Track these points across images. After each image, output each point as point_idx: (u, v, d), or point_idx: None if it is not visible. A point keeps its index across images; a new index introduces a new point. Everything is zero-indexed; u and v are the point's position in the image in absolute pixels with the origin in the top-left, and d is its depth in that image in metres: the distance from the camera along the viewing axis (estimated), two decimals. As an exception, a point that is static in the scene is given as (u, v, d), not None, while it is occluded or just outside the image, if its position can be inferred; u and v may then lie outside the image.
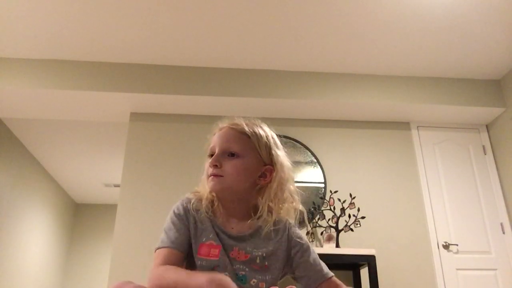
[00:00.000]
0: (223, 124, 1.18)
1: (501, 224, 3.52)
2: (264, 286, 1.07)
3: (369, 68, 3.66)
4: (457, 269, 3.34)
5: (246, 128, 1.14)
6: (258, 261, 1.09)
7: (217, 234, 1.10)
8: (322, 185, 3.56)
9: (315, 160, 3.64)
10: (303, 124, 3.80)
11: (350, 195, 3.25)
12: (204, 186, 1.16)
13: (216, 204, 1.14)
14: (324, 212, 3.30)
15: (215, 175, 1.10)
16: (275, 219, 1.14)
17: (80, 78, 3.48)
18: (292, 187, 1.18)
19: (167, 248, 1.08)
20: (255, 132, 1.15)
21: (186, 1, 2.95)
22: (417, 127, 3.85)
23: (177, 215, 1.13)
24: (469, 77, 3.76)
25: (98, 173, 5.53)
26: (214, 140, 1.16)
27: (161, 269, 1.03)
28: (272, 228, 1.13)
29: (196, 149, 3.58)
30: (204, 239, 1.10)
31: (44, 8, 3.00)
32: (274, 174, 1.14)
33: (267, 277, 1.08)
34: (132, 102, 3.58)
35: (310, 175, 3.60)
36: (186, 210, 1.13)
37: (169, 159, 3.56)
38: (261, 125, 1.20)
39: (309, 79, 3.65)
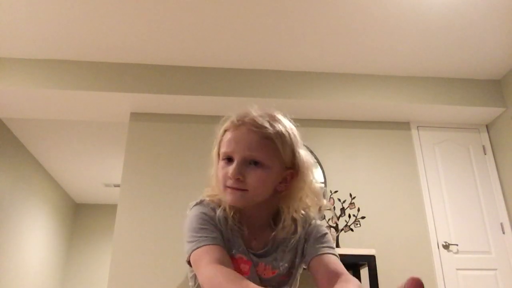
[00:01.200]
0: (239, 119, 1.00)
1: (501, 224, 3.52)
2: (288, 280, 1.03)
3: (369, 68, 3.66)
4: (457, 269, 3.34)
5: (270, 130, 0.97)
6: (285, 272, 1.02)
7: (246, 249, 1.00)
8: (322, 185, 3.56)
9: (315, 160, 3.64)
10: (303, 124, 3.76)
11: (350, 195, 3.24)
12: (219, 190, 1.01)
13: (238, 216, 1.01)
14: (324, 212, 3.30)
15: (237, 189, 0.96)
16: (294, 222, 1.02)
17: (80, 78, 3.48)
18: (315, 187, 1.04)
19: (210, 245, 0.93)
20: (279, 134, 0.98)
21: (186, 1, 2.95)
22: (417, 127, 3.85)
23: (205, 215, 0.99)
24: (469, 77, 3.76)
25: (98, 173, 5.53)
26: (230, 142, 0.98)
27: (212, 269, 0.87)
28: (292, 233, 1.02)
29: (196, 149, 3.58)
30: (233, 252, 0.98)
31: (44, 8, 3.00)
32: (298, 177, 1.01)
33: (290, 279, 1.04)
34: (132, 102, 3.58)
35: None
36: (214, 215, 0.99)
37: (169, 159, 3.56)
38: (280, 119, 1.04)
39: (309, 79, 3.65)
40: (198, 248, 0.93)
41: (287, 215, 1.01)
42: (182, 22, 3.14)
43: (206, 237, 0.94)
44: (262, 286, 0.84)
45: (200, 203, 1.03)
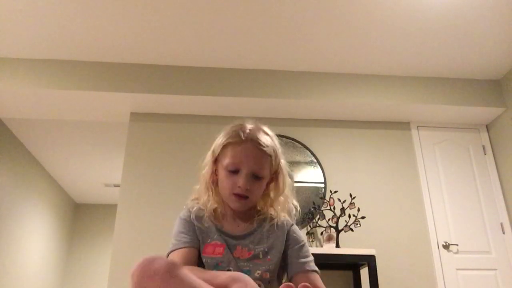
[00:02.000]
0: (245, 135, 1.17)
1: (501, 224, 3.52)
2: (268, 275, 1.14)
3: (369, 68, 3.66)
4: (457, 269, 3.34)
5: (270, 149, 1.18)
6: (261, 256, 1.15)
7: (220, 236, 1.17)
8: (322, 185, 3.56)
9: (315, 160, 3.64)
10: (303, 124, 3.80)
11: (350, 195, 3.24)
12: (205, 193, 1.22)
13: (219, 210, 1.22)
14: (324, 212, 3.30)
15: (244, 197, 1.16)
16: (275, 219, 1.22)
17: (80, 78, 3.48)
18: (288, 192, 1.25)
19: (182, 248, 1.15)
20: (274, 151, 1.19)
21: (187, 1, 2.95)
22: (417, 127, 3.85)
23: (184, 221, 1.20)
24: (469, 77, 3.76)
25: (98, 173, 5.53)
26: (238, 156, 1.15)
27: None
28: (272, 224, 1.21)
29: (196, 149, 3.58)
30: (209, 240, 1.17)
31: (44, 8, 3.00)
32: (277, 182, 1.23)
33: (270, 267, 1.14)
34: (132, 102, 3.58)
35: (310, 175, 3.60)
36: (191, 217, 1.20)
37: (169, 159, 3.56)
38: (272, 135, 1.24)
39: (309, 79, 3.65)
40: (172, 251, 1.17)
41: (267, 210, 1.23)
42: (182, 22, 3.14)
43: (179, 240, 1.16)
44: (238, 265, 1.11)
45: (185, 209, 1.24)
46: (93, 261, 6.41)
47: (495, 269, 3.36)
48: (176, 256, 1.14)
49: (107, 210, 6.53)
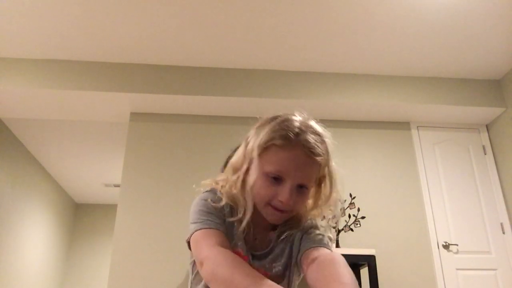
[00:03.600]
0: (295, 138, 0.96)
1: (501, 224, 3.52)
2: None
3: (369, 68, 3.66)
4: (457, 269, 3.34)
5: (322, 158, 0.98)
6: (279, 273, 1.01)
7: (244, 244, 1.00)
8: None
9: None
10: (303, 124, 3.79)
11: (350, 195, 3.25)
12: (237, 192, 1.00)
13: (243, 211, 1.00)
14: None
15: (283, 211, 0.96)
16: (298, 228, 1.04)
17: (80, 78, 3.48)
18: (333, 199, 1.06)
19: (214, 229, 0.94)
20: (326, 159, 1.00)
21: (187, 1, 2.95)
22: (417, 127, 3.85)
23: (214, 206, 0.98)
24: (469, 77, 3.76)
25: (98, 173, 5.53)
26: (285, 164, 0.94)
27: (218, 252, 0.87)
28: (292, 233, 1.03)
29: (196, 149, 3.58)
30: (233, 243, 0.98)
31: (44, 8, 3.00)
32: (322, 189, 1.04)
33: (286, 281, 1.03)
34: (132, 102, 3.58)
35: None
36: (220, 207, 0.99)
37: (169, 159, 3.56)
38: (326, 135, 1.03)
39: (309, 79, 3.65)
40: (201, 229, 0.93)
41: (295, 217, 1.03)
42: (182, 22, 3.14)
43: (210, 221, 0.95)
44: None
45: (209, 190, 1.03)
46: (93, 261, 6.41)
47: (495, 269, 3.36)
48: (211, 236, 0.91)
49: (107, 210, 6.53)
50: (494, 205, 3.58)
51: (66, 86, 3.44)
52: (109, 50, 3.44)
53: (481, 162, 3.74)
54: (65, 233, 6.33)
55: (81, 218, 6.68)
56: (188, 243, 0.98)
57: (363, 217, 3.21)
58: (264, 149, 0.96)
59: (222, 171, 1.10)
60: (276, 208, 0.96)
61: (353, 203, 3.22)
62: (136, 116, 3.70)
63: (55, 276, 6.00)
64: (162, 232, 3.28)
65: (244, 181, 0.99)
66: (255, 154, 0.97)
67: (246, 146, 1.01)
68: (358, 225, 3.19)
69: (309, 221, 1.06)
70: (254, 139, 0.99)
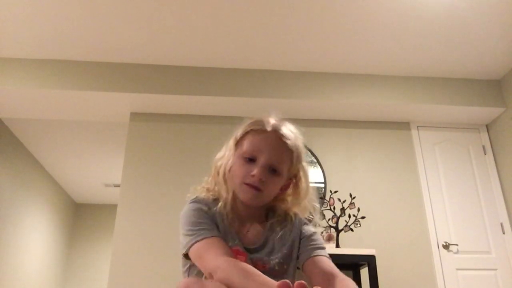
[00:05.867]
0: (269, 126, 1.08)
1: (501, 224, 3.52)
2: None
3: (369, 68, 3.66)
4: (457, 269, 3.34)
5: (293, 144, 1.08)
6: (277, 268, 1.06)
7: (240, 242, 1.06)
8: (322, 185, 3.56)
9: (315, 160, 3.64)
10: (303, 124, 3.73)
11: (350, 195, 3.24)
12: (219, 183, 1.09)
13: (228, 207, 1.08)
14: (324, 212, 3.30)
15: (256, 188, 1.04)
16: (285, 216, 1.14)
17: (80, 78, 3.48)
18: (309, 197, 1.15)
19: (211, 237, 0.98)
20: (297, 148, 1.10)
21: (186, 1, 2.95)
22: (417, 127, 3.85)
23: (201, 210, 1.05)
24: (469, 77, 3.76)
25: (98, 173, 5.53)
26: (258, 144, 1.05)
27: (228, 263, 0.90)
28: (285, 229, 1.11)
29: (196, 149, 3.58)
30: (230, 243, 1.04)
31: (44, 8, 3.00)
32: (298, 187, 1.13)
33: (285, 277, 1.06)
34: (132, 102, 3.58)
35: (310, 175, 3.59)
36: (208, 207, 1.07)
37: (169, 159, 3.56)
38: (297, 132, 1.14)
39: (309, 79, 3.65)
40: (198, 241, 0.98)
41: (279, 211, 1.13)
42: (182, 22, 3.14)
43: (204, 229, 1.00)
44: None
45: (195, 199, 1.10)
46: (93, 261, 6.41)
47: (495, 269, 3.36)
48: (213, 245, 0.96)
49: (107, 210, 6.53)
50: (494, 205, 3.58)
51: (66, 86, 3.44)
52: (109, 50, 3.44)
53: (481, 162, 3.74)
54: (65, 233, 6.33)
55: (81, 218, 6.68)
56: (185, 255, 1.02)
57: (363, 217, 3.21)
58: (241, 138, 1.09)
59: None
60: (249, 185, 1.04)
61: (353, 203, 3.22)
62: (136, 116, 3.70)
63: (55, 276, 6.00)
64: (162, 232, 3.28)
65: (225, 172, 1.10)
66: (232, 144, 1.10)
67: (233, 140, 1.12)
68: (358, 225, 3.19)
69: (302, 220, 1.16)
70: (236, 132, 1.12)
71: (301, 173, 1.13)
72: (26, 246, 4.98)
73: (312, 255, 1.07)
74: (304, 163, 1.14)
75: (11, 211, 4.55)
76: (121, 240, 3.25)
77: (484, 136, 3.85)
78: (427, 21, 3.11)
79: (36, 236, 5.28)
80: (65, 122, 4.18)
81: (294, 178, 1.12)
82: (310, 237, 1.11)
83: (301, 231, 1.13)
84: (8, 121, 4.14)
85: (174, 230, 3.47)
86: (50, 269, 5.83)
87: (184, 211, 1.08)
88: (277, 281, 0.98)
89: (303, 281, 0.69)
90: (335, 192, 3.34)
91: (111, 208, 6.08)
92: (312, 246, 1.09)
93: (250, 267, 0.90)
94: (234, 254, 1.01)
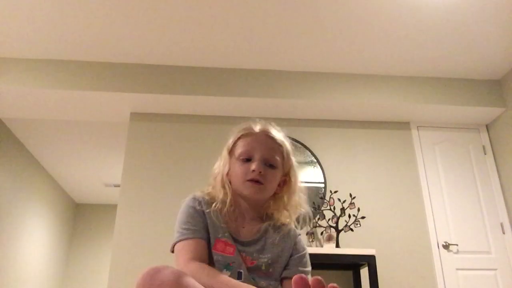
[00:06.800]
0: (257, 128, 1.19)
1: (501, 224, 3.52)
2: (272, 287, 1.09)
3: (369, 68, 3.66)
4: (457, 269, 3.34)
5: (281, 140, 1.19)
6: (263, 267, 1.11)
7: (230, 235, 1.13)
8: (322, 185, 3.56)
9: (315, 160, 3.64)
10: (303, 124, 3.80)
11: (350, 195, 3.25)
12: (216, 188, 1.17)
13: (228, 206, 1.15)
14: (324, 212, 3.30)
15: (258, 182, 1.12)
16: (281, 223, 1.20)
17: (80, 78, 3.48)
18: (302, 196, 1.23)
19: (191, 239, 1.08)
20: (285, 144, 1.21)
21: (186, 1, 2.95)
22: (417, 127, 3.85)
23: (193, 209, 1.14)
24: (469, 77, 3.76)
25: (98, 173, 5.53)
26: (250, 144, 1.16)
27: (194, 268, 1.01)
28: (280, 233, 1.17)
29: (196, 149, 3.58)
30: (220, 235, 1.12)
31: (44, 8, 3.00)
32: (290, 184, 1.20)
33: (271, 282, 1.10)
34: (132, 102, 3.58)
35: (310, 175, 3.60)
36: (201, 206, 1.15)
37: (169, 159, 3.56)
38: (281, 132, 1.24)
39: (309, 79, 3.65)
40: (180, 241, 1.10)
41: (276, 214, 1.20)
42: (182, 22, 3.14)
43: (189, 230, 1.10)
44: (247, 271, 1.06)
45: (192, 197, 1.19)
46: (93, 261, 6.41)
47: (495, 269, 3.36)
48: (187, 249, 1.07)
49: (107, 210, 6.53)
50: (494, 205, 3.58)
51: (66, 86, 3.44)
52: (109, 50, 3.44)
53: (481, 162, 3.74)
54: (65, 233, 6.33)
55: (81, 218, 6.68)
56: (172, 251, 1.13)
57: (363, 217, 3.21)
58: (233, 145, 1.19)
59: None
60: (251, 180, 1.12)
61: (353, 203, 3.22)
62: (136, 116, 3.70)
63: (55, 276, 6.00)
64: (162, 232, 3.28)
65: (223, 177, 1.18)
66: (226, 153, 1.19)
67: (226, 148, 1.22)
68: (358, 225, 3.19)
69: (298, 240, 1.20)
70: (228, 141, 1.21)
71: (292, 172, 1.21)
72: (26, 246, 4.98)
73: (292, 272, 1.12)
74: (293, 158, 1.23)
75: (11, 211, 4.55)
76: (121, 240, 3.25)
77: (484, 136, 3.85)
78: (427, 21, 3.11)
79: (36, 236, 5.28)
80: (65, 122, 4.18)
81: (288, 175, 1.21)
82: (301, 258, 1.17)
83: (294, 244, 1.19)
84: (8, 121, 4.15)
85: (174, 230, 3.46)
86: (50, 269, 5.83)
87: (180, 208, 1.18)
88: (262, 280, 1.06)
89: (318, 277, 0.70)
90: (335, 192, 3.34)
91: (111, 208, 6.09)
92: (299, 269, 1.15)
93: (214, 270, 1.01)
94: (224, 244, 1.10)
